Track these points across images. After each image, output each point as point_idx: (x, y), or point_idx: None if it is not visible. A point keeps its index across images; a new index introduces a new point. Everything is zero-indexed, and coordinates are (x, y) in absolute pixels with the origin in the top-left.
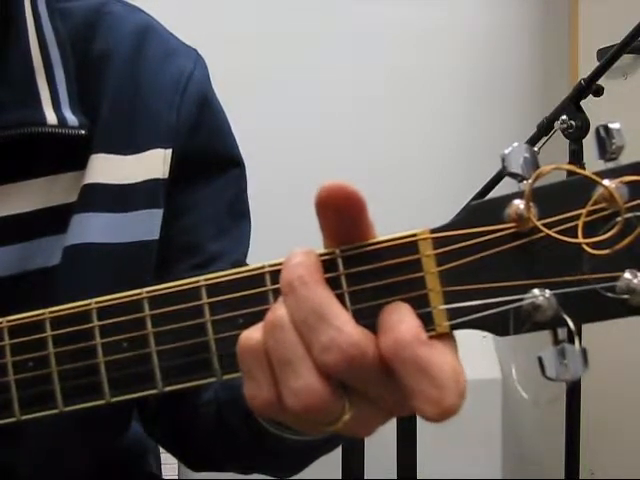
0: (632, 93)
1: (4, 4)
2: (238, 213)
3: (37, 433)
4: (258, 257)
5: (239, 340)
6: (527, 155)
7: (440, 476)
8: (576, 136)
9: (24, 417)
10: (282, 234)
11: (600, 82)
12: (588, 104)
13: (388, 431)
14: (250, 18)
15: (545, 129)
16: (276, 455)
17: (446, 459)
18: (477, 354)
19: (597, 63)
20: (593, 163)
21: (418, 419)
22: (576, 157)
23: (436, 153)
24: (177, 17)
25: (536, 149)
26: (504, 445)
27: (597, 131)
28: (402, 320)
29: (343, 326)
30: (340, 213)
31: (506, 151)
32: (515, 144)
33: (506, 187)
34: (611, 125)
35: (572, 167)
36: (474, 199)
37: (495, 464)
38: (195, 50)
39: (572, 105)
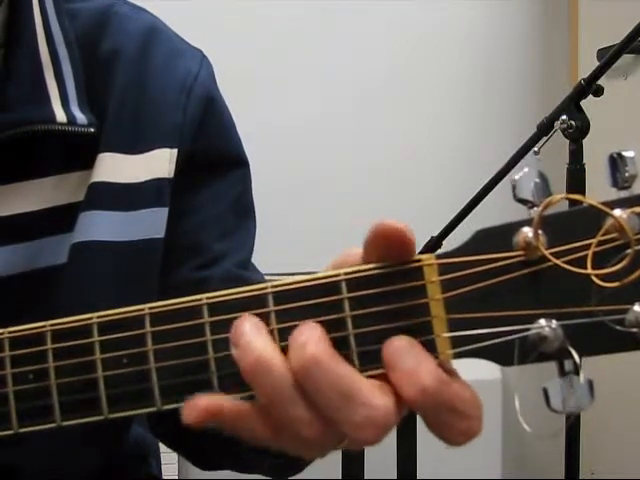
0: (632, 93)
1: (12, 4)
2: (243, 213)
3: (38, 435)
4: (259, 255)
5: None
6: (538, 180)
7: (440, 476)
8: (576, 136)
9: (22, 430)
10: (283, 233)
11: (600, 82)
12: (588, 104)
13: None
14: (250, 18)
15: (545, 129)
16: (276, 458)
17: (446, 459)
18: None
19: (597, 63)
20: (605, 190)
21: (418, 419)
22: (576, 157)
23: (436, 153)
24: (178, 17)
25: (536, 149)
26: (504, 445)
27: (610, 158)
28: (420, 366)
29: (372, 400)
30: (389, 250)
31: (516, 177)
32: (526, 169)
33: (504, 189)
34: (625, 153)
35: (582, 197)
36: (471, 202)
37: (495, 464)
38: (201, 51)
39: (572, 105)
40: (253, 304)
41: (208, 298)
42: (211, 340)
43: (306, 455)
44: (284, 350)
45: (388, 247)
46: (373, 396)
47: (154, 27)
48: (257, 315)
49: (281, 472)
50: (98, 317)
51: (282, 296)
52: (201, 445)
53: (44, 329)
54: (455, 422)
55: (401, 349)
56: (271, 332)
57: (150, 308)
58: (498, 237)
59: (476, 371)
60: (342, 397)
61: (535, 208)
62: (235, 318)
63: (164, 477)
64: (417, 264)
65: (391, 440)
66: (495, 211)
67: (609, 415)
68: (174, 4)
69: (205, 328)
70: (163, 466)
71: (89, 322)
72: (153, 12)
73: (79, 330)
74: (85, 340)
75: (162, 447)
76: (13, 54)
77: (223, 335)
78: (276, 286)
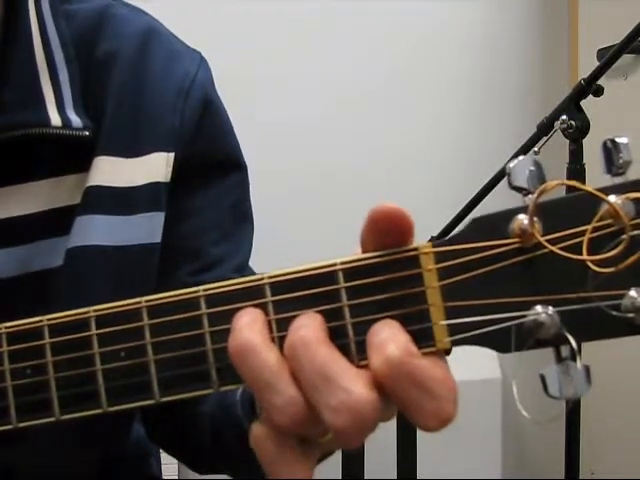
0: (632, 93)
1: (8, 5)
2: (241, 216)
3: (38, 434)
4: (258, 256)
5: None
6: (533, 168)
7: (440, 476)
8: (576, 136)
9: (21, 424)
10: (282, 234)
11: (600, 82)
12: (588, 104)
13: (388, 431)
14: (250, 18)
15: (545, 129)
16: None
17: (446, 459)
18: (477, 354)
19: (597, 63)
20: (600, 177)
21: None
22: (576, 157)
23: (436, 153)
24: (177, 17)
25: (536, 149)
26: (504, 445)
27: (604, 145)
28: (390, 337)
29: (351, 386)
30: (388, 233)
31: (511, 164)
32: (521, 157)
33: (504, 189)
34: (618, 139)
35: (577, 183)
36: (471, 202)
37: (495, 464)
38: (199, 53)
39: (572, 105)
40: (250, 295)
41: (205, 290)
42: (209, 332)
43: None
44: (282, 341)
45: (386, 230)
46: (354, 383)
47: (152, 29)
48: (254, 306)
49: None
50: (95, 311)
51: (279, 287)
52: (197, 449)
53: (41, 324)
54: (423, 401)
55: (378, 327)
56: (268, 323)
57: (147, 301)
58: (494, 225)
59: (476, 371)
60: (323, 379)
61: (530, 195)
62: (232, 309)
63: (164, 477)
64: (413, 252)
65: (391, 440)
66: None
67: (609, 415)
68: (173, 5)
69: (203, 320)
70: (163, 466)
71: (86, 316)
72: (152, 12)
73: (76, 324)
74: (83, 334)
75: None
76: (8, 57)
77: (221, 327)
78: (273, 277)
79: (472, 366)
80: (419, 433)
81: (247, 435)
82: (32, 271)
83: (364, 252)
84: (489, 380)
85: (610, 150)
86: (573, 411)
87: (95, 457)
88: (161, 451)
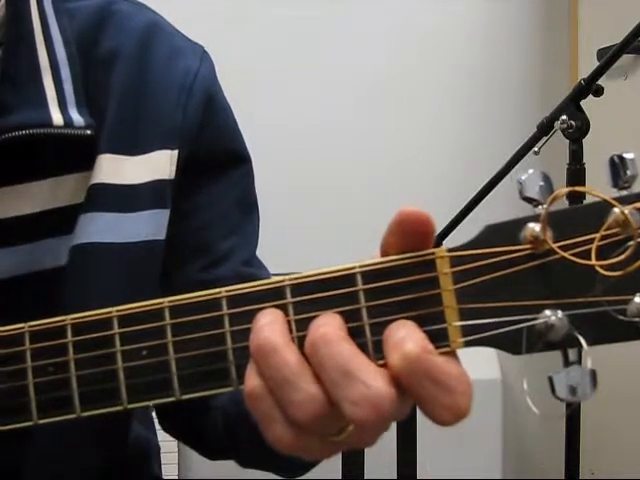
0: (632, 93)
1: (10, 4)
2: (247, 209)
3: (42, 435)
4: (259, 256)
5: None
6: (542, 183)
7: (440, 476)
8: (576, 136)
9: (41, 421)
10: (283, 233)
11: (600, 82)
12: (588, 104)
13: (388, 431)
14: (250, 18)
15: (545, 129)
16: (285, 461)
17: (446, 459)
18: (477, 354)
19: (597, 63)
20: (605, 190)
21: (418, 419)
22: (576, 157)
23: (436, 153)
24: (178, 16)
25: (536, 149)
26: (504, 445)
27: (611, 160)
28: (407, 335)
29: (371, 381)
30: (411, 236)
31: (522, 177)
32: (530, 171)
33: (504, 189)
34: (625, 155)
35: (588, 189)
36: (471, 202)
37: (495, 464)
38: (202, 47)
39: (572, 105)
40: (271, 296)
41: (227, 291)
42: (229, 332)
43: (312, 451)
44: (301, 340)
45: (410, 233)
46: (373, 378)
47: (155, 25)
48: (275, 307)
49: (287, 472)
50: (118, 310)
51: (299, 288)
52: (210, 441)
53: (64, 322)
54: (439, 396)
55: (395, 327)
56: (288, 323)
57: (170, 301)
58: (506, 232)
59: (476, 371)
60: (344, 374)
61: (540, 206)
62: (253, 310)
63: (164, 477)
64: (430, 257)
65: (391, 440)
66: (495, 211)
67: (609, 415)
68: (174, 4)
69: (224, 320)
70: (163, 466)
71: (109, 315)
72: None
73: (99, 323)
74: (105, 332)
75: (162, 447)
76: (11, 56)
77: (241, 327)
78: (293, 279)
79: (472, 366)
80: (419, 433)
81: (257, 431)
82: (35, 270)
83: (385, 254)
84: (489, 380)
85: (617, 165)
86: (573, 412)
87: (96, 458)
88: (161, 451)
